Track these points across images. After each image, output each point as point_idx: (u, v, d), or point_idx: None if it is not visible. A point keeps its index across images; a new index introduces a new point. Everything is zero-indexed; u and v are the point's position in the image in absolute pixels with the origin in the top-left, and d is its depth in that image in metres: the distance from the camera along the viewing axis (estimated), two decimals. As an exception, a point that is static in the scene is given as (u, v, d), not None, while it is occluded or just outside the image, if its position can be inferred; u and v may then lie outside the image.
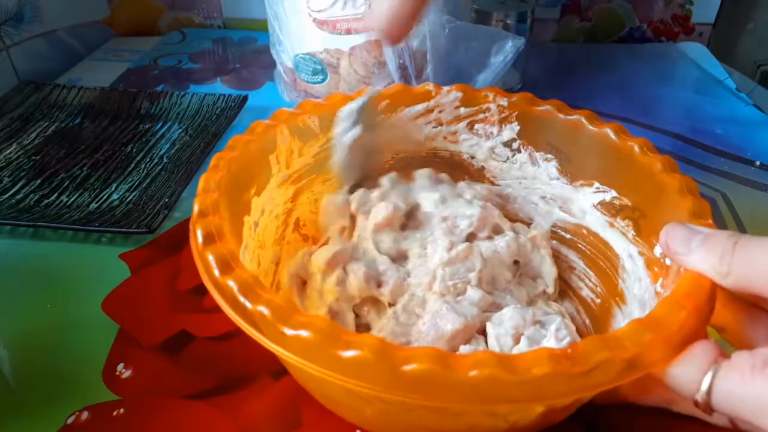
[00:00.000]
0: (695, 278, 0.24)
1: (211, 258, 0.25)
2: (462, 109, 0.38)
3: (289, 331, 0.22)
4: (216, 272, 0.24)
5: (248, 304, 0.23)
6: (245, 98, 0.61)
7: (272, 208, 0.35)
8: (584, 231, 0.36)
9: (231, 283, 0.24)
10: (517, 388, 0.21)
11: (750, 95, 0.64)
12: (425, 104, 0.38)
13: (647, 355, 0.22)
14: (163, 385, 0.33)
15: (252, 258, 0.32)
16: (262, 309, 0.22)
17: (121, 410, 0.31)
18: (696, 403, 0.22)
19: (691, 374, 0.22)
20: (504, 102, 0.37)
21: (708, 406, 0.22)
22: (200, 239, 0.26)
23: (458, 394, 0.21)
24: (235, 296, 0.23)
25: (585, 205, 0.36)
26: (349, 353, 0.21)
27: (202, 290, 0.40)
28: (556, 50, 0.77)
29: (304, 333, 0.21)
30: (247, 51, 0.76)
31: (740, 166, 0.53)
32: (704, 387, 0.22)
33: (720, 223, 0.46)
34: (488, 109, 0.38)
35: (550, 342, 0.28)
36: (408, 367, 0.20)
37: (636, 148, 0.32)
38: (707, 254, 0.23)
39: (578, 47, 0.79)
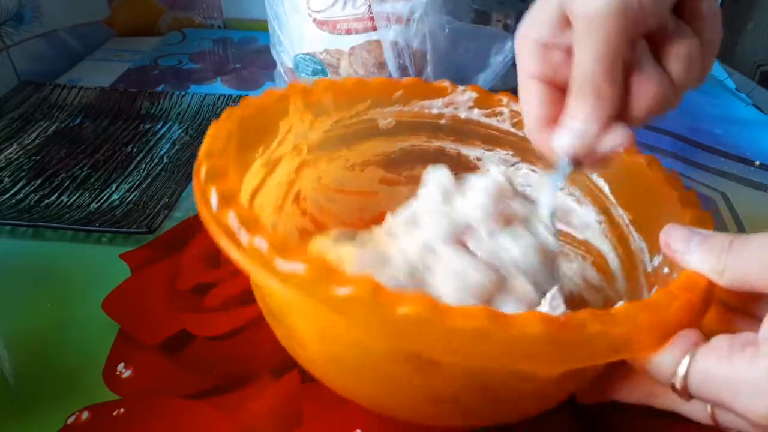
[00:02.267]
0: (691, 276, 0.24)
1: (213, 191, 0.24)
2: (475, 110, 0.38)
3: (284, 265, 0.21)
4: (214, 204, 0.24)
5: (245, 237, 0.22)
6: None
7: (276, 175, 0.34)
8: (585, 243, 0.36)
9: (231, 214, 0.23)
10: (505, 345, 0.21)
11: (750, 95, 0.65)
12: (440, 100, 0.38)
13: (638, 336, 0.22)
14: (163, 385, 0.33)
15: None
16: (260, 243, 0.22)
17: (122, 410, 0.31)
18: (674, 389, 0.22)
19: (671, 359, 0.22)
20: (517, 107, 0.37)
21: (685, 391, 0.22)
22: (203, 175, 0.25)
23: (445, 343, 0.21)
24: (232, 230, 0.23)
25: (586, 217, 0.36)
26: (343, 290, 0.20)
27: (202, 290, 0.40)
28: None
29: (299, 267, 0.21)
30: (248, 51, 0.76)
31: (740, 166, 0.53)
32: (681, 371, 0.21)
33: (720, 223, 0.46)
34: (501, 113, 0.38)
35: (544, 309, 0.28)
36: (401, 310, 0.20)
37: (642, 163, 0.32)
38: (706, 253, 0.24)
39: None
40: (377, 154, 0.40)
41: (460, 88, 0.38)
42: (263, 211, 0.33)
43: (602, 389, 0.27)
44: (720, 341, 0.21)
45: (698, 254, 0.24)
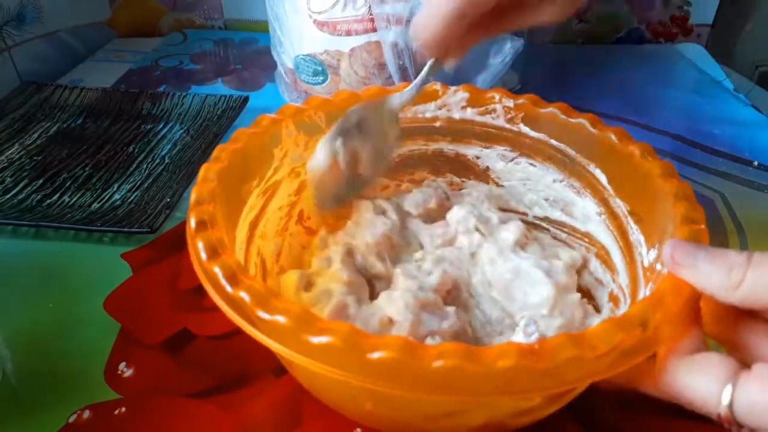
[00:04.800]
0: (676, 283, 0.24)
1: (200, 244, 0.25)
2: (469, 110, 0.39)
3: (265, 316, 0.22)
4: (203, 256, 0.25)
5: (229, 289, 0.24)
6: (246, 99, 0.61)
7: (276, 201, 0.35)
8: (587, 235, 0.36)
9: (216, 269, 0.24)
10: (481, 380, 0.21)
11: (748, 96, 0.65)
12: (433, 103, 0.39)
13: (617, 356, 0.22)
14: (164, 384, 0.33)
15: (252, 247, 0.32)
16: (243, 294, 0.23)
17: (123, 409, 0.32)
18: (719, 418, 0.22)
19: (710, 387, 0.22)
20: (510, 103, 0.37)
21: (731, 420, 0.22)
22: (193, 225, 0.26)
23: (422, 383, 0.21)
24: (219, 281, 0.24)
25: (586, 209, 0.36)
26: (319, 339, 0.21)
27: (203, 289, 0.40)
28: (555, 51, 0.77)
29: (280, 318, 0.22)
30: (248, 52, 0.77)
31: (738, 166, 0.53)
32: (725, 400, 0.21)
33: (718, 224, 0.46)
34: (494, 110, 0.38)
35: (518, 337, 0.28)
36: (375, 355, 0.21)
37: (637, 153, 0.32)
38: (714, 268, 0.23)
39: (577, 48, 0.79)
40: None
41: (452, 89, 0.38)
42: (266, 239, 0.34)
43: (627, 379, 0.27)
44: (761, 369, 0.22)
45: (705, 268, 0.23)
